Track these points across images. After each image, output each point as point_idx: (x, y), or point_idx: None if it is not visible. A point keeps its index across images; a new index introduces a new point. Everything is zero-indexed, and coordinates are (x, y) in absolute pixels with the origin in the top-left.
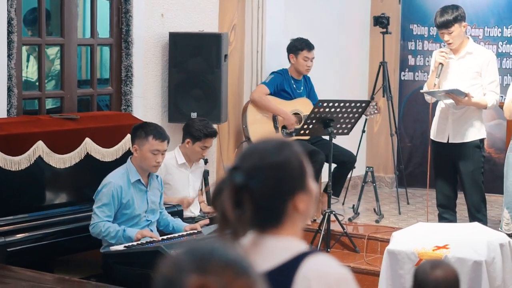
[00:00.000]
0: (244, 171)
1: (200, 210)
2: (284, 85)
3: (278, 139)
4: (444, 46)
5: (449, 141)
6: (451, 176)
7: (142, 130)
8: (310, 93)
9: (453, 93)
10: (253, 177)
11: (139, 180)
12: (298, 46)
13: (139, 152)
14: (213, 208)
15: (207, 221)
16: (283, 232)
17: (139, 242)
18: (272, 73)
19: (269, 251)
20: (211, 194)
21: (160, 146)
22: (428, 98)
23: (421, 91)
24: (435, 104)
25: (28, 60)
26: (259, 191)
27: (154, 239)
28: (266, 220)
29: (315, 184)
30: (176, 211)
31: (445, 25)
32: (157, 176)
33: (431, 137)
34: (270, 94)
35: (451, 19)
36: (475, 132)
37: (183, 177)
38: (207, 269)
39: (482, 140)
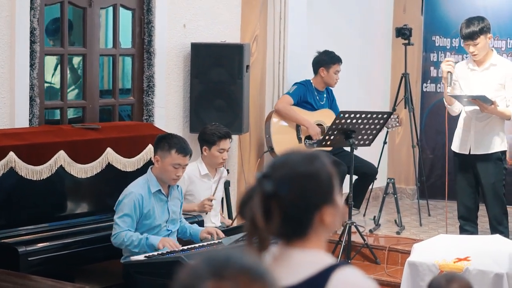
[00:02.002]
0: (274, 180)
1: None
2: (307, 96)
3: (310, 151)
4: (467, 58)
5: (471, 153)
6: (473, 188)
7: (166, 142)
8: (332, 105)
9: (479, 100)
10: (283, 186)
11: (160, 190)
12: (329, 60)
13: (160, 164)
14: (241, 215)
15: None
16: (309, 245)
17: (159, 252)
18: (296, 83)
19: (296, 264)
20: (239, 201)
21: (181, 161)
22: (451, 111)
23: (448, 94)
24: (450, 115)
25: (55, 70)
26: (287, 200)
27: (175, 249)
28: (293, 231)
29: (342, 200)
30: (197, 222)
31: (471, 37)
32: (177, 186)
33: (453, 148)
34: (294, 104)
35: (477, 30)
36: (497, 144)
37: (206, 187)
38: (223, 275)
39: (504, 152)
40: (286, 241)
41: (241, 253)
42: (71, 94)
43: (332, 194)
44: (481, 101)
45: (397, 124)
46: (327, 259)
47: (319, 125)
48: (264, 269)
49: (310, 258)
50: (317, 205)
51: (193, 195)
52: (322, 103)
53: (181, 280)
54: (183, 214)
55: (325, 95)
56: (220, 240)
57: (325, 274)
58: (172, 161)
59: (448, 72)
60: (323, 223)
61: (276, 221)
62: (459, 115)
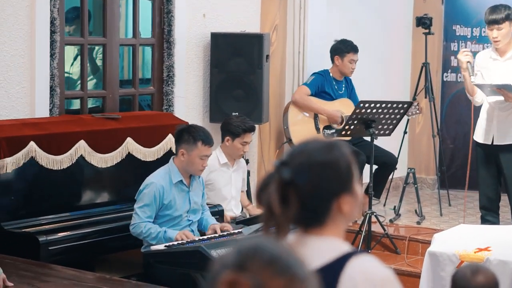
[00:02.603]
0: (292, 167)
1: (242, 210)
2: (325, 86)
3: (329, 140)
4: (488, 47)
5: (494, 143)
6: (495, 178)
7: (190, 135)
8: (351, 94)
9: (504, 89)
10: (300, 174)
11: (181, 181)
12: (344, 49)
13: (186, 157)
14: (258, 202)
15: (229, 227)
16: (326, 233)
17: (179, 242)
18: (313, 74)
19: (313, 251)
20: (257, 187)
21: (208, 152)
22: (478, 101)
23: (472, 82)
24: (475, 106)
25: (74, 59)
26: (305, 188)
27: (195, 238)
28: (310, 218)
29: (361, 188)
30: (217, 211)
31: (496, 21)
32: (199, 176)
33: (475, 138)
34: (311, 95)
35: (503, 16)
36: None
37: (225, 176)
38: (245, 266)
39: None
40: (303, 228)
41: (274, 244)
42: (91, 84)
43: (351, 182)
44: (507, 90)
45: (417, 111)
46: (344, 247)
47: None
48: (295, 262)
49: (326, 245)
50: (335, 193)
51: (212, 184)
52: (340, 92)
53: (212, 267)
54: None
55: (343, 85)
56: (240, 230)
57: (341, 262)
58: (200, 153)
59: (468, 62)
60: (341, 212)
61: (293, 209)
62: (481, 105)
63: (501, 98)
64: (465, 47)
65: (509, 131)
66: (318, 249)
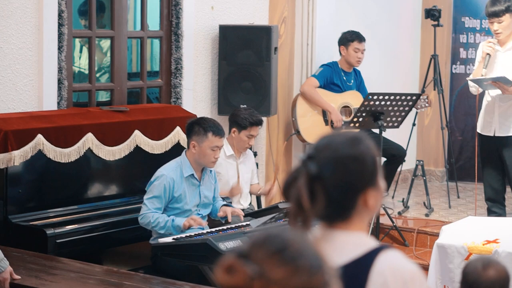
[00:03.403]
0: (318, 162)
1: (250, 203)
2: (334, 78)
3: (354, 133)
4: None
5: (495, 135)
6: (499, 169)
7: (200, 126)
8: (360, 86)
9: (500, 82)
10: (327, 168)
11: (193, 174)
12: (349, 38)
13: (198, 149)
14: (285, 197)
15: (240, 212)
16: (352, 227)
17: (187, 235)
18: (322, 65)
19: (340, 246)
20: (284, 182)
21: (219, 143)
22: (473, 89)
23: (467, 78)
24: (481, 97)
25: (81, 52)
26: (332, 182)
27: (200, 225)
28: (336, 213)
29: (384, 182)
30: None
31: (496, 14)
32: (210, 170)
33: (478, 130)
34: (320, 87)
35: (503, 8)
36: None
37: (232, 168)
38: (249, 255)
39: None
40: (328, 223)
41: (291, 233)
42: (101, 76)
43: (376, 176)
44: (502, 83)
45: (426, 104)
46: (371, 242)
47: (345, 107)
48: (304, 255)
49: (354, 240)
50: (361, 188)
51: (218, 176)
52: (349, 84)
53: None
54: None
55: (352, 77)
56: (248, 223)
57: (370, 257)
58: (211, 144)
59: (488, 54)
60: (367, 206)
61: (320, 203)
62: (482, 96)
63: (499, 91)
64: (474, 39)
65: (510, 122)
66: (345, 244)
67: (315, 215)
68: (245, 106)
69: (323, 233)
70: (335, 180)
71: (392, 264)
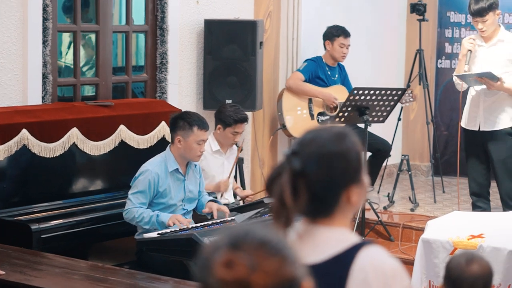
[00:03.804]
0: (302, 157)
1: (235, 197)
2: (318, 72)
3: (339, 129)
4: (475, 34)
5: (480, 129)
6: (483, 164)
7: (184, 121)
8: (344, 81)
9: (485, 77)
10: (310, 164)
11: (177, 169)
12: (334, 33)
13: (183, 143)
14: (269, 192)
15: (225, 209)
16: (334, 223)
17: (172, 230)
18: (306, 60)
19: (323, 242)
20: (267, 177)
21: (204, 136)
22: (458, 86)
23: (453, 74)
24: (465, 92)
25: (68, 48)
26: (315, 178)
27: (185, 225)
28: (319, 209)
29: (368, 178)
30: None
31: (479, 13)
32: (195, 165)
33: (462, 125)
34: (305, 81)
35: (486, 7)
36: (507, 119)
37: (218, 163)
38: (239, 246)
39: None
40: (311, 219)
41: (263, 229)
42: (87, 71)
43: (360, 173)
44: (488, 78)
45: (411, 99)
46: (353, 238)
47: None
48: (284, 245)
49: (336, 236)
50: (344, 184)
51: (204, 170)
52: (334, 79)
53: (203, 252)
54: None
55: (337, 71)
56: (233, 218)
57: (351, 252)
58: (196, 138)
59: (469, 50)
60: (350, 202)
61: (303, 199)
62: (467, 91)
63: (485, 86)
64: (460, 34)
65: (495, 117)
66: (327, 239)
67: (298, 211)
68: (230, 101)
69: (306, 228)
70: (319, 176)
71: (373, 260)
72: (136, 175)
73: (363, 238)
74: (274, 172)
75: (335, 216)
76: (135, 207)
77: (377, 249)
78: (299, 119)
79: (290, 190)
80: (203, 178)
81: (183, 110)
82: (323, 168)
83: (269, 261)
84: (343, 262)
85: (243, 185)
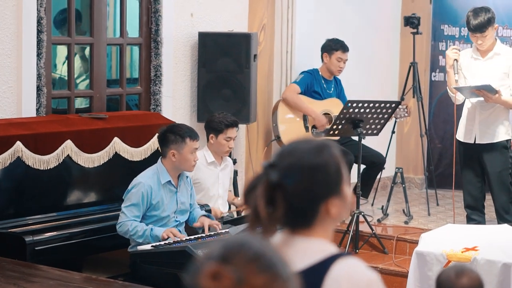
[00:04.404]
0: (280, 169)
1: (229, 209)
2: (314, 85)
3: (319, 141)
4: (471, 47)
5: (476, 142)
6: (479, 177)
7: (175, 134)
8: (340, 95)
9: (484, 90)
10: (288, 176)
11: (170, 181)
12: (333, 46)
13: (178, 156)
14: (245, 203)
15: (218, 225)
16: (313, 234)
17: (166, 242)
18: (302, 72)
19: (300, 252)
20: (244, 189)
21: (196, 145)
22: (453, 98)
23: (452, 87)
24: (460, 104)
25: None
26: (293, 191)
27: (181, 238)
28: (297, 220)
29: (350, 189)
30: (205, 211)
31: (479, 29)
32: (187, 177)
33: (458, 137)
34: (301, 93)
35: (485, 22)
36: (503, 132)
37: (212, 175)
38: (230, 259)
39: (509, 141)
40: (290, 229)
41: (260, 241)
42: (81, 83)
43: (340, 185)
44: (486, 91)
45: (405, 114)
46: (331, 249)
47: (326, 114)
48: (278, 261)
49: (314, 246)
50: (323, 196)
51: (199, 182)
52: (329, 92)
53: (197, 260)
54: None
55: (333, 85)
56: (227, 230)
57: (326, 263)
58: (190, 148)
59: (455, 60)
60: (329, 214)
61: (280, 211)
62: (463, 104)
63: (482, 98)
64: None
65: (491, 130)
66: (304, 250)
67: (275, 222)
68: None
69: (285, 238)
70: (296, 188)
71: (348, 271)
72: (129, 188)
73: (343, 250)
74: (251, 184)
75: (315, 228)
76: (129, 220)
77: (354, 260)
78: (293, 131)
79: (264, 202)
80: (194, 190)
81: (177, 122)
82: (301, 180)
83: (258, 277)
84: (318, 272)
85: (236, 197)
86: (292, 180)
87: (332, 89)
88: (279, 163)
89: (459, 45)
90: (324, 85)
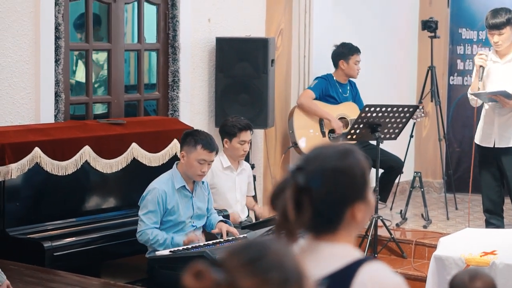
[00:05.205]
0: (307, 173)
1: (248, 215)
2: (329, 90)
3: (344, 145)
4: (490, 50)
5: (495, 146)
6: (497, 181)
7: (192, 137)
8: (355, 98)
9: (500, 95)
10: (315, 180)
11: (184, 186)
12: (348, 52)
13: (186, 159)
14: (272, 207)
15: (235, 232)
16: (338, 239)
17: (184, 247)
18: (316, 78)
19: (325, 257)
20: (271, 192)
21: (207, 157)
22: (473, 101)
23: (468, 92)
24: (479, 108)
25: (77, 65)
26: (319, 194)
27: (200, 244)
28: (323, 225)
29: (374, 196)
30: (223, 216)
31: (497, 27)
32: (203, 182)
33: (476, 141)
34: (316, 98)
35: (504, 20)
36: None
37: (229, 180)
38: (224, 261)
39: None
40: (315, 235)
41: (266, 246)
42: (98, 89)
43: (365, 190)
44: (503, 96)
45: (422, 115)
46: (356, 253)
47: (342, 118)
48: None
49: (338, 251)
50: (349, 201)
51: (216, 188)
52: (345, 95)
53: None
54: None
55: (348, 88)
56: (245, 235)
57: (352, 268)
58: (198, 156)
59: (481, 66)
60: (354, 219)
61: (306, 215)
62: (481, 108)
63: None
64: (472, 50)
65: (508, 133)
66: (330, 255)
67: (301, 227)
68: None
69: (309, 244)
70: (323, 192)
71: (374, 276)
72: (144, 194)
73: (368, 255)
74: (278, 187)
75: (339, 233)
76: (149, 229)
77: (379, 265)
78: (310, 137)
79: (293, 205)
80: (211, 195)
81: (195, 128)
82: (327, 185)
83: (246, 280)
84: (344, 277)
85: (256, 203)
86: (318, 183)
87: (348, 92)
88: (306, 167)
89: (477, 49)
90: (340, 90)
